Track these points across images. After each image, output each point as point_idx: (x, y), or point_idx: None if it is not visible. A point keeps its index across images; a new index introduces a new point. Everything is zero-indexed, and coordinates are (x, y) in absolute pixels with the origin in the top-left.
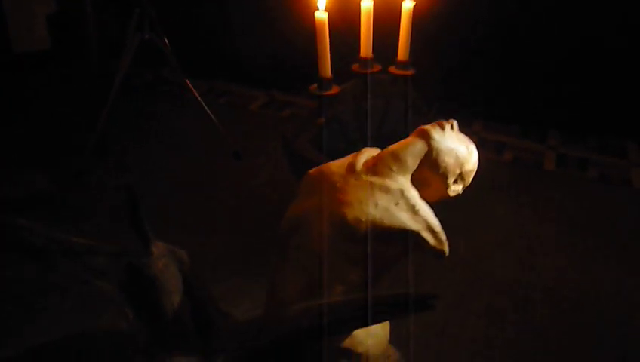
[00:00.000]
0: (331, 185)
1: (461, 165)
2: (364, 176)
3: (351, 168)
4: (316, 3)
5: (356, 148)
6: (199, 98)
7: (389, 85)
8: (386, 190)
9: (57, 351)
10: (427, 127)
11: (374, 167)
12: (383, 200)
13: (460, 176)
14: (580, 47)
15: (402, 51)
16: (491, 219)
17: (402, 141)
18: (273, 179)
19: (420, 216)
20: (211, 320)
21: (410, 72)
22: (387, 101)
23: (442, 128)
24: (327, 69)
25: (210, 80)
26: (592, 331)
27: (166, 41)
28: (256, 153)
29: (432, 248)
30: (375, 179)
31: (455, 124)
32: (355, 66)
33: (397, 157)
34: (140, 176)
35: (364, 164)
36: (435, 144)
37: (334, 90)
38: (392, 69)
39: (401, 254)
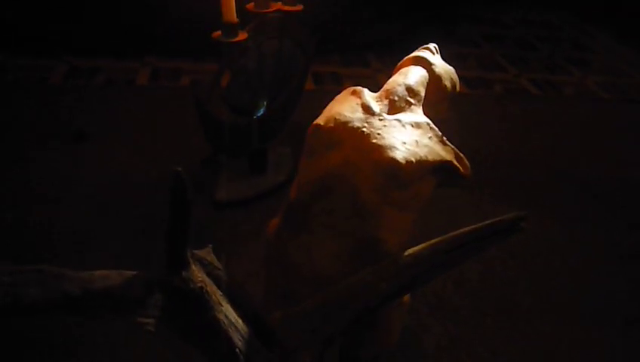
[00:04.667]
0: (355, 132)
1: (454, 87)
2: (386, 116)
3: (368, 110)
4: None
5: (260, 97)
6: None
7: (280, 24)
8: (417, 125)
9: None
10: (423, 54)
11: (393, 104)
12: (420, 136)
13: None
14: None
15: None
16: None
17: (404, 71)
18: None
19: (448, 145)
20: (269, 325)
21: (298, 7)
22: (280, 41)
23: (432, 53)
24: (232, 11)
25: None
26: None
27: None
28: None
29: (462, 175)
30: (402, 117)
31: (436, 46)
32: (251, 5)
33: (412, 90)
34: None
35: (377, 103)
36: (436, 70)
37: (241, 36)
38: (280, 5)
39: (433, 188)
